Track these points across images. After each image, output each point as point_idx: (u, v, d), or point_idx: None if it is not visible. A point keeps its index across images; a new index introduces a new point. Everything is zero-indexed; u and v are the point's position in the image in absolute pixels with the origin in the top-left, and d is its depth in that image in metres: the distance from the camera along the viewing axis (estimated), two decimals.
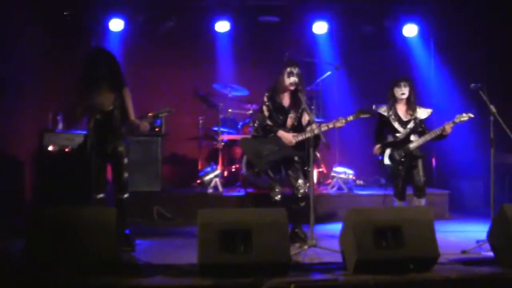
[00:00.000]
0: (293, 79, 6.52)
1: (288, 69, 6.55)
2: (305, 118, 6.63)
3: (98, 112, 6.13)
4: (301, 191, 6.61)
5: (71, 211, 5.24)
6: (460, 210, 9.31)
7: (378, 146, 7.01)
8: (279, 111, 6.66)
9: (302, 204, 6.62)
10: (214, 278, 4.92)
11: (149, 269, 5.31)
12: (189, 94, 9.97)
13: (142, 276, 5.12)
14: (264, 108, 6.70)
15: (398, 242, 5.19)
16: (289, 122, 6.66)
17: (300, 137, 6.50)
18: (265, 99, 6.70)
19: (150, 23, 9.95)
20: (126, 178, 6.42)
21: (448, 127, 6.72)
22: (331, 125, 6.49)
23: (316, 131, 6.21)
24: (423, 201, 6.88)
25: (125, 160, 6.41)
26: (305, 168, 6.67)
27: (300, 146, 6.50)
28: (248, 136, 7.92)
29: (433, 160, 10.30)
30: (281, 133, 6.57)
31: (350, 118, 6.50)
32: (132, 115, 6.34)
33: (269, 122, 6.64)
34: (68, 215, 5.17)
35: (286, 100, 6.69)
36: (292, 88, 6.55)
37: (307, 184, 6.65)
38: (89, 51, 6.31)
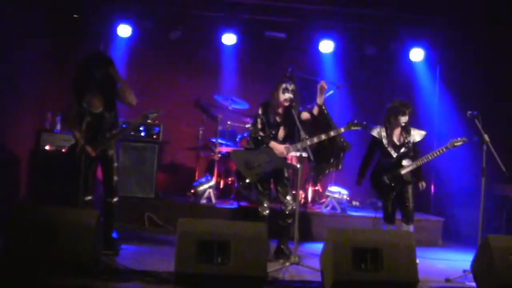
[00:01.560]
0: (288, 95, 6.52)
1: (284, 85, 6.55)
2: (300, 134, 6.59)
3: (89, 114, 6.17)
4: (289, 207, 6.59)
5: (52, 211, 5.26)
6: (455, 238, 9.21)
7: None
8: (271, 126, 6.67)
9: (289, 220, 6.60)
10: (189, 287, 4.91)
11: (126, 274, 5.34)
12: (191, 104, 9.98)
13: (118, 281, 5.14)
14: (258, 120, 6.70)
15: (377, 265, 5.16)
16: (281, 134, 6.68)
17: (292, 149, 6.53)
18: (259, 112, 6.71)
19: (157, 31, 9.98)
20: (116, 182, 6.48)
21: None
22: (323, 137, 6.49)
23: (308, 143, 6.26)
24: (411, 227, 6.80)
25: (115, 164, 6.46)
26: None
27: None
28: None
29: (432, 186, 10.22)
30: (273, 144, 6.58)
31: (341, 130, 6.58)
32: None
33: (261, 133, 6.64)
34: (48, 215, 5.18)
35: (279, 115, 6.69)
36: (286, 104, 6.55)
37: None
38: (86, 55, 6.36)
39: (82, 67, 6.24)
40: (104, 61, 6.28)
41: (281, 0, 9.90)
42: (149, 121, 6.48)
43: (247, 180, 6.61)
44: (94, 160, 6.31)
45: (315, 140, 6.46)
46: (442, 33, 10.13)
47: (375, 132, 6.97)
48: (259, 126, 6.68)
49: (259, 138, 6.63)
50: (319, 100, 6.48)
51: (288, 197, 6.62)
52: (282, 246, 6.68)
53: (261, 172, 6.55)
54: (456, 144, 6.70)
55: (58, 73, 9.01)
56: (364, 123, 6.68)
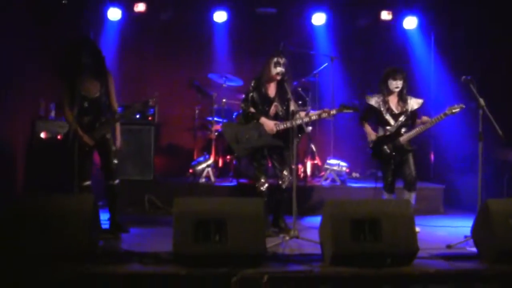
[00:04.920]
0: (280, 69, 6.46)
1: (275, 59, 6.49)
2: (291, 108, 6.55)
3: (85, 99, 6.14)
4: (286, 182, 6.56)
5: (45, 200, 5.21)
6: (456, 205, 9.17)
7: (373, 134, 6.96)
8: (264, 101, 6.60)
9: (286, 195, 6.56)
10: (188, 267, 4.89)
11: (126, 257, 5.28)
12: (185, 84, 9.89)
13: (118, 264, 5.09)
14: (249, 95, 6.65)
15: (376, 236, 5.12)
16: (273, 110, 6.60)
17: (282, 126, 6.46)
18: (251, 87, 6.65)
19: (147, 13, 9.86)
20: (115, 164, 6.47)
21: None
22: (314, 117, 6.47)
23: (298, 121, 6.20)
24: (413, 195, 6.79)
25: (113, 147, 6.44)
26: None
27: (283, 136, 6.46)
28: None
29: (431, 155, 10.18)
30: (263, 120, 6.51)
31: (333, 111, 6.51)
32: (115, 104, 6.39)
33: (251, 110, 6.58)
34: (42, 203, 5.14)
35: (272, 90, 6.64)
36: (278, 78, 6.50)
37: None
38: (72, 40, 6.30)
39: (70, 51, 6.18)
40: (92, 46, 6.24)
41: None
42: (151, 103, 6.40)
43: (235, 154, 6.63)
44: (93, 144, 6.28)
45: (306, 119, 6.42)
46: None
47: (372, 101, 6.91)
48: (250, 101, 6.63)
49: (250, 114, 6.58)
50: (307, 118, 6.47)
51: (285, 172, 6.58)
52: (279, 220, 6.68)
53: (249, 147, 6.51)
54: (454, 110, 6.66)
55: (49, 60, 8.88)
56: (357, 105, 6.70)
